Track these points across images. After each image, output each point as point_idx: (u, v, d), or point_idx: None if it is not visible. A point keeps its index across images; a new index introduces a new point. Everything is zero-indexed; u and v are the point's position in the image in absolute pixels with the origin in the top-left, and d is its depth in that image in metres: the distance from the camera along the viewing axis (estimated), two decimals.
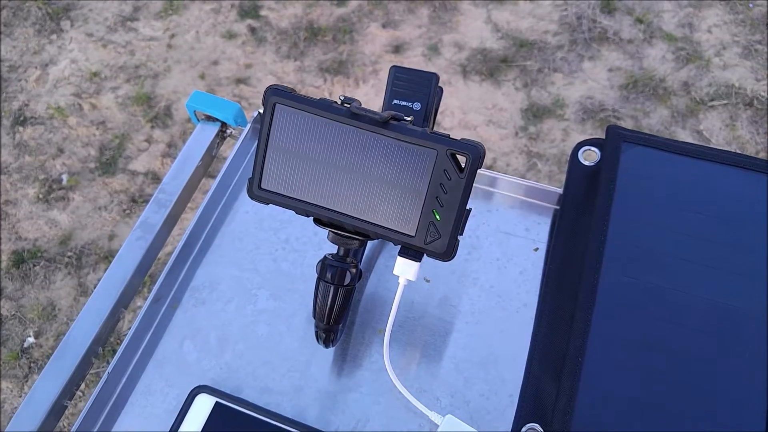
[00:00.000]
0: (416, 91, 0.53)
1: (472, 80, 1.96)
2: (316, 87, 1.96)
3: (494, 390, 0.55)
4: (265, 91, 0.46)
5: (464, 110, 1.89)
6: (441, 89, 0.56)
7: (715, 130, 1.83)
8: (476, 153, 0.42)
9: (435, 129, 0.47)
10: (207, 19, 2.16)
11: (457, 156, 0.43)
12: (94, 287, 1.62)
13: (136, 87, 2.00)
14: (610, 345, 0.52)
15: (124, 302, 0.61)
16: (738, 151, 1.79)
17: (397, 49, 2.04)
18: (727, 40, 2.03)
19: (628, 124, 1.85)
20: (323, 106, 0.45)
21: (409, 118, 0.45)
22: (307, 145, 0.46)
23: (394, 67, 0.54)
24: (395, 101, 0.54)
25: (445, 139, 0.43)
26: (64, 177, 1.83)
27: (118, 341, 1.38)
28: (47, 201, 1.79)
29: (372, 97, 1.93)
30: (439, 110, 1.53)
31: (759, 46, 2.01)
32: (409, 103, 0.53)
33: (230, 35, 2.11)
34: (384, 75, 1.98)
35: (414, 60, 2.01)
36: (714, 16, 2.09)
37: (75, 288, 1.64)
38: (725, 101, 1.89)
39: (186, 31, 2.13)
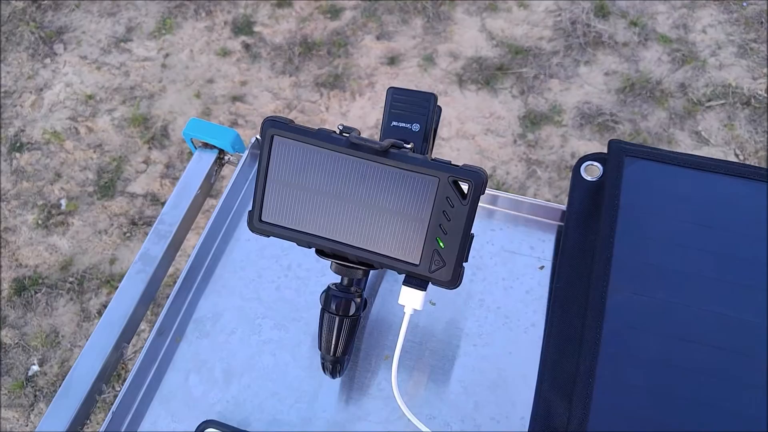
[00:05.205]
0: (415, 112, 0.53)
1: (469, 89, 1.96)
2: (313, 102, 1.95)
3: (505, 413, 0.54)
4: (263, 123, 0.45)
5: (461, 120, 1.89)
6: (440, 108, 0.56)
7: (714, 131, 1.83)
8: (479, 180, 0.42)
9: (435, 145, 0.47)
10: (201, 37, 2.16)
11: (459, 183, 0.43)
12: (98, 312, 1.62)
13: (131, 108, 2.00)
14: (620, 364, 0.51)
15: (126, 337, 0.60)
16: (737, 151, 1.79)
17: (392, 60, 2.04)
18: (722, 40, 2.03)
19: (626, 127, 1.84)
20: (322, 137, 0.44)
21: (409, 146, 0.45)
22: (307, 177, 0.45)
23: (391, 88, 0.53)
24: (394, 123, 0.53)
25: (447, 165, 0.43)
26: (63, 202, 1.82)
27: (124, 366, 1.38)
28: (47, 227, 1.78)
29: (369, 110, 1.93)
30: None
31: (754, 45, 2.00)
32: (408, 125, 0.52)
33: (224, 53, 2.10)
34: (380, 87, 1.98)
35: (410, 71, 2.00)
36: (708, 16, 2.09)
37: (77, 314, 1.64)
38: (722, 101, 1.89)
39: (180, 50, 2.13)
